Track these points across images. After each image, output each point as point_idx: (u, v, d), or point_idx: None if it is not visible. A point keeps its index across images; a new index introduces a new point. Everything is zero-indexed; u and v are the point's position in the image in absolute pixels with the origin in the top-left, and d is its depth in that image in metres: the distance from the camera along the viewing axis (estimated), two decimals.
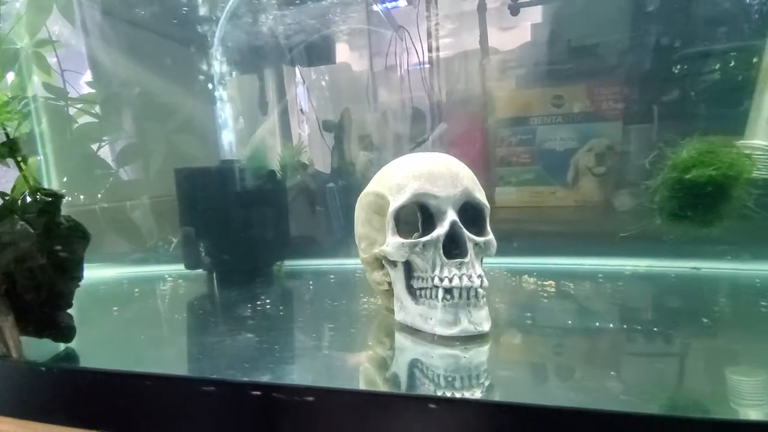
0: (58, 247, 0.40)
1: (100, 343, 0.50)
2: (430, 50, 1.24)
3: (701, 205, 0.54)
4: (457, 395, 0.30)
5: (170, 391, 0.33)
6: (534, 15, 1.16)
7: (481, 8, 1.14)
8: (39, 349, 0.42)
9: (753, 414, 0.30)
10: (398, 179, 0.48)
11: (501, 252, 0.79)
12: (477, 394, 0.31)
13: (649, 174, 0.56)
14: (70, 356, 0.42)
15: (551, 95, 1.07)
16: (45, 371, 0.36)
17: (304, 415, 0.29)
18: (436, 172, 0.47)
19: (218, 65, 1.01)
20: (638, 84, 0.93)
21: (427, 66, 1.24)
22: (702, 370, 0.39)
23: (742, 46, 0.59)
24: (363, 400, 0.30)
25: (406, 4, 1.26)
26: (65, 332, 0.43)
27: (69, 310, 0.43)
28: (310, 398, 0.29)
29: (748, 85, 0.56)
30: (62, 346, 0.43)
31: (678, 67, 0.67)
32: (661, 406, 0.30)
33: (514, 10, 1.15)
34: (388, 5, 1.28)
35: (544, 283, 0.62)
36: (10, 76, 1.08)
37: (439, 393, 0.30)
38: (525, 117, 1.09)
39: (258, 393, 0.30)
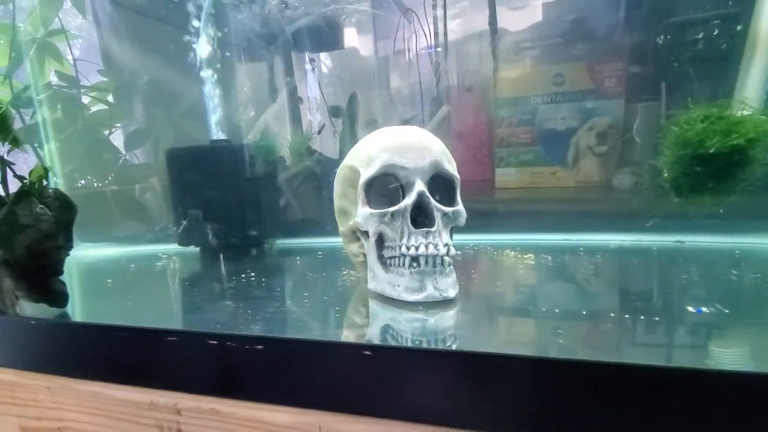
0: (47, 217, 0.43)
1: (93, 306, 0.54)
2: (437, 33, 1.23)
3: (724, 175, 0.52)
4: (393, 343, 0.32)
5: (140, 342, 0.36)
6: None
7: None
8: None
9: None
10: (369, 152, 0.49)
11: (491, 229, 0.80)
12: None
13: (644, 150, 0.54)
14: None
15: (552, 73, 1.05)
16: (35, 325, 0.40)
17: (256, 362, 0.32)
18: (406, 144, 0.48)
19: (223, 51, 1.03)
20: (639, 59, 0.91)
21: (435, 49, 1.24)
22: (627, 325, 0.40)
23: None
24: (306, 347, 0.32)
25: None
26: (58, 298, 0.46)
27: (60, 278, 0.46)
28: (260, 346, 0.31)
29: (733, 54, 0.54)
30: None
31: (662, 37, 0.65)
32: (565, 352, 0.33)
33: None
34: None
35: (524, 256, 0.63)
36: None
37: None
38: (525, 96, 1.08)
39: (214, 342, 0.33)
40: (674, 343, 0.37)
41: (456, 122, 1.23)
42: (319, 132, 1.15)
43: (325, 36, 1.32)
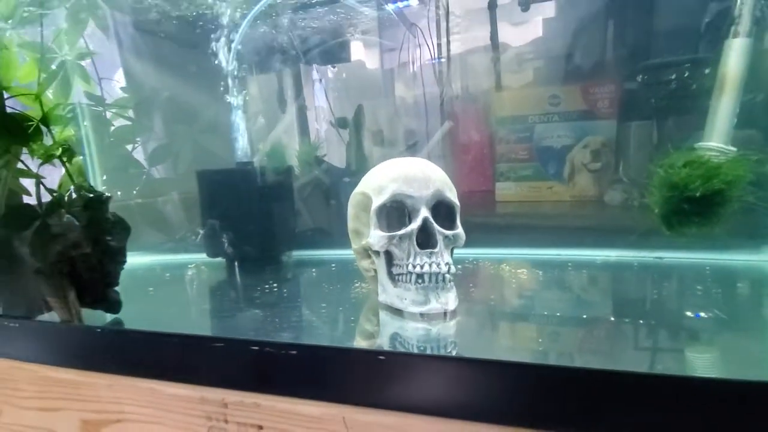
0: (108, 237, 0.50)
1: (142, 313, 0.62)
2: (440, 48, 1.30)
3: (708, 212, 0.59)
4: (403, 350, 0.39)
5: (191, 347, 0.43)
6: (546, 11, 1.21)
7: (492, 5, 1.19)
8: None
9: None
10: (380, 181, 0.56)
11: (490, 243, 0.87)
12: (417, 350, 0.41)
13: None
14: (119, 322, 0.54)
15: (548, 94, 1.12)
16: (100, 332, 0.47)
17: (290, 364, 0.39)
18: (412, 176, 0.55)
19: (238, 69, 1.10)
20: (629, 83, 0.98)
21: (437, 63, 1.30)
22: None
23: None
24: (331, 353, 0.39)
25: (417, 2, 1.32)
26: (114, 305, 0.54)
27: (116, 288, 0.54)
28: (294, 352, 0.39)
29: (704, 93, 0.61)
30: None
31: (640, 77, 0.72)
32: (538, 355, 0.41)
33: (525, 5, 1.20)
34: (400, 4, 1.34)
35: (517, 271, 0.70)
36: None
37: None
38: (524, 115, 1.15)
39: (255, 348, 0.40)
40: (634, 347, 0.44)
41: (458, 136, 1.30)
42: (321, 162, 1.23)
43: (332, 50, 1.39)
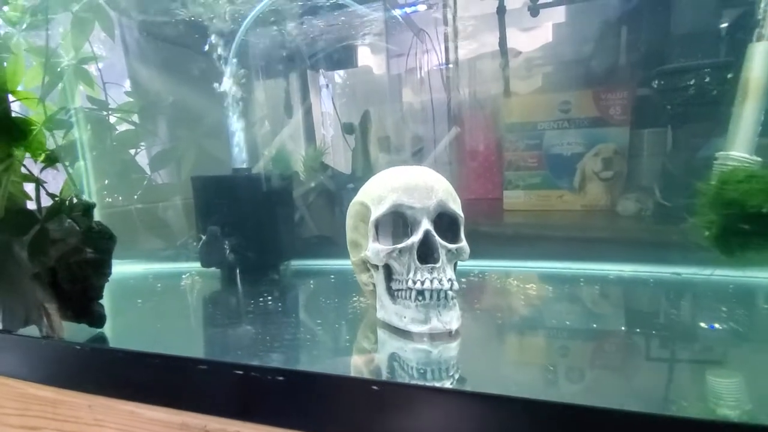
0: (90, 249, 0.48)
1: (127, 327, 0.59)
2: (448, 53, 1.28)
3: None
4: (396, 379, 0.36)
5: (174, 368, 0.40)
6: (556, 16, 1.18)
7: (501, 10, 1.17)
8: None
9: None
10: (379, 191, 0.53)
11: (498, 254, 0.83)
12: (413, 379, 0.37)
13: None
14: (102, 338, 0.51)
15: (559, 100, 1.09)
16: (80, 349, 0.45)
17: (276, 391, 0.36)
18: (413, 185, 0.52)
19: (241, 73, 1.08)
20: (643, 89, 0.94)
21: (445, 69, 1.28)
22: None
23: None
24: (321, 380, 0.36)
25: (425, 8, 1.30)
26: (98, 319, 0.51)
27: (100, 301, 0.51)
28: (281, 378, 0.36)
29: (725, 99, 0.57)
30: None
31: (656, 82, 0.68)
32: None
33: (534, 11, 1.18)
34: (408, 10, 1.32)
35: (526, 286, 0.66)
36: None
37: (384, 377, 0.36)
38: (533, 122, 1.12)
39: (240, 372, 0.37)
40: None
41: (465, 143, 1.27)
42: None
43: (339, 56, 1.37)
